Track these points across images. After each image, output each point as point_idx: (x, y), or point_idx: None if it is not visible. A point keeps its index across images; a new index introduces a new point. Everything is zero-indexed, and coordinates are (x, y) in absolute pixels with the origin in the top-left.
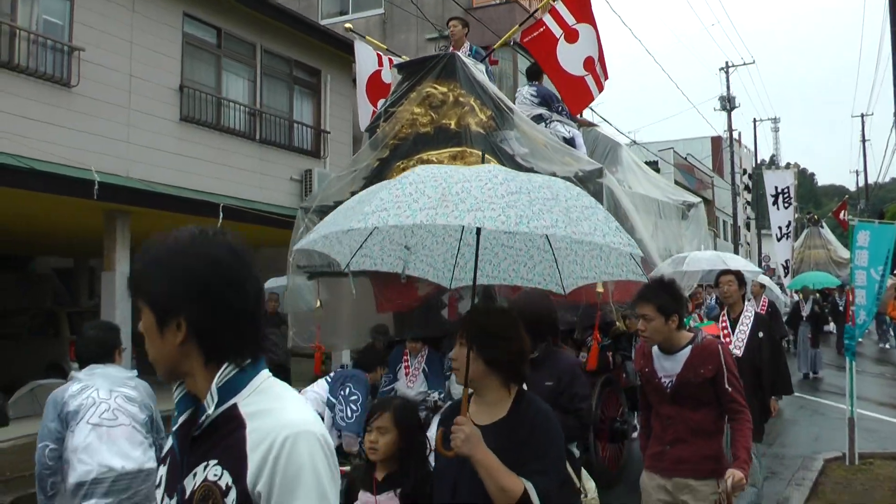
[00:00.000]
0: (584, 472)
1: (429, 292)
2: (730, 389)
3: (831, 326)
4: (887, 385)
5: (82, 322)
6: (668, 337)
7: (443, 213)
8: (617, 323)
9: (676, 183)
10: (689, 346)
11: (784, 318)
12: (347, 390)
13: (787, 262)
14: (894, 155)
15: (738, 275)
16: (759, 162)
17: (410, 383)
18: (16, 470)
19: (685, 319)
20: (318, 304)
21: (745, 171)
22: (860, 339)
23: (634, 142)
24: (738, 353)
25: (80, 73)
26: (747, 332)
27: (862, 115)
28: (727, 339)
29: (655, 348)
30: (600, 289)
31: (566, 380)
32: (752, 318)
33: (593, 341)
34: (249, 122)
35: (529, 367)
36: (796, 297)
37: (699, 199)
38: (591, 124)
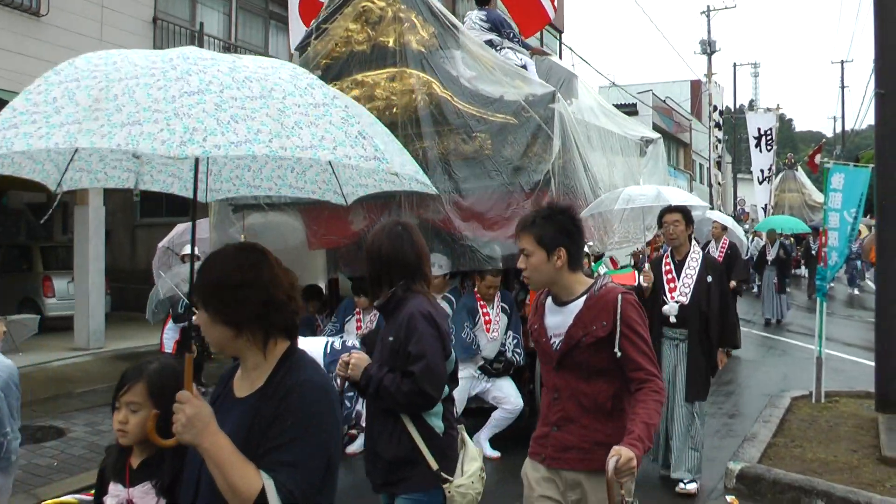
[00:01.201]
0: (469, 449)
1: (365, 227)
2: (631, 352)
3: (802, 271)
4: (856, 327)
5: (56, 257)
6: (555, 280)
7: (87, 130)
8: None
9: (655, 126)
10: (584, 297)
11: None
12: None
13: (766, 206)
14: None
15: (685, 212)
16: (737, 106)
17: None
18: None
19: (594, 264)
20: (242, 237)
21: (715, 108)
22: (831, 284)
23: (614, 83)
24: (684, 300)
25: (50, 3)
26: (694, 277)
27: (842, 62)
28: (670, 285)
29: (549, 300)
30: None
31: (403, 334)
32: (699, 261)
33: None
34: None
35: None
36: (762, 241)
37: (658, 135)
38: (544, 52)
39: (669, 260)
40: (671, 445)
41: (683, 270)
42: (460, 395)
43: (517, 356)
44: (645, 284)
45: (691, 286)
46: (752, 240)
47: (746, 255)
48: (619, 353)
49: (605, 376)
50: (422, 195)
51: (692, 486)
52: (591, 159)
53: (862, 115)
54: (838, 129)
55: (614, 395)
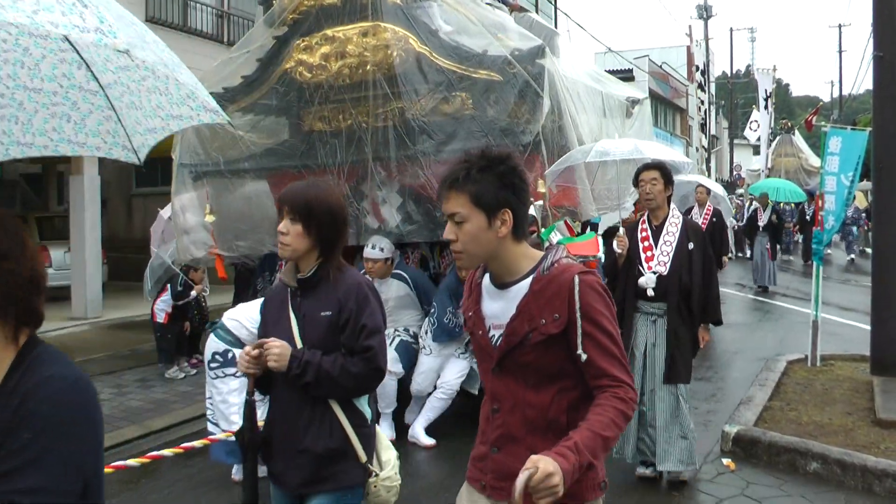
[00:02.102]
0: (382, 438)
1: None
2: (594, 354)
3: (798, 238)
4: (852, 291)
5: (52, 227)
6: (495, 254)
7: None
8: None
9: (651, 92)
10: (530, 276)
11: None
12: None
13: (759, 171)
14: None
15: (663, 170)
16: (734, 72)
17: None
18: None
19: (544, 232)
20: (209, 209)
21: (697, 68)
22: (828, 251)
23: (610, 49)
24: (663, 269)
25: None
26: (674, 244)
27: (839, 26)
28: (647, 253)
29: (486, 279)
30: (542, 188)
31: (350, 306)
32: (679, 226)
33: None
34: (217, 24)
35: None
36: (755, 205)
37: (645, 95)
38: (522, 9)
39: (646, 225)
40: (652, 435)
41: (661, 237)
42: (427, 377)
43: None
44: (619, 251)
45: (670, 254)
46: (751, 205)
47: (743, 222)
48: (583, 357)
49: (559, 383)
50: (400, 158)
51: (689, 472)
52: (580, 120)
53: (859, 79)
54: (836, 94)
55: (570, 407)
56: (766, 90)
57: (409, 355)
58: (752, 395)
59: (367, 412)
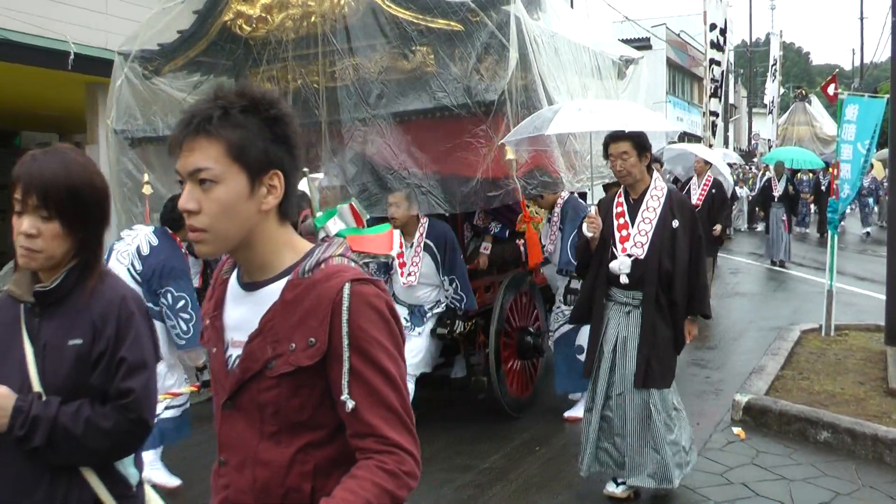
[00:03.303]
0: (148, 491)
1: None
2: (362, 402)
3: (814, 209)
4: (868, 261)
5: None
6: (249, 237)
7: None
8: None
9: (669, 61)
10: (285, 278)
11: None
12: (170, 297)
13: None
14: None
15: (635, 139)
16: (753, 40)
17: None
18: None
19: (319, 217)
20: (146, 177)
21: (713, 26)
22: (843, 224)
23: (626, 18)
24: (640, 252)
25: None
26: (653, 222)
27: None
28: (622, 233)
29: (234, 276)
30: (511, 155)
31: (108, 333)
32: (662, 199)
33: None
34: None
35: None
36: (769, 174)
37: (641, 55)
38: None
39: (622, 199)
40: (619, 445)
41: (639, 213)
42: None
43: (463, 304)
44: (589, 234)
45: (649, 234)
46: (764, 174)
47: (754, 191)
48: (349, 405)
49: (306, 435)
50: (353, 122)
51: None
52: (560, 80)
53: (881, 47)
54: (857, 62)
55: (318, 471)
56: (775, 57)
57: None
58: (764, 364)
59: (132, 475)
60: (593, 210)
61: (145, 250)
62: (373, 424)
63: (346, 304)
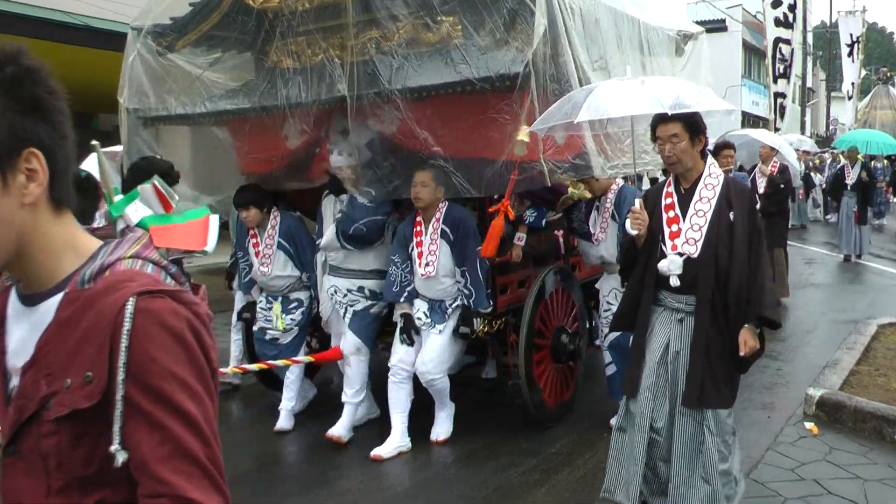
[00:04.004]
0: None
1: (303, 144)
2: (146, 448)
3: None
4: None
5: None
6: (22, 239)
7: None
8: (570, 189)
9: (744, 43)
10: (61, 293)
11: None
12: None
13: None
14: None
15: (688, 121)
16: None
17: (265, 265)
18: None
19: (116, 203)
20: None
21: (776, 2)
22: None
23: None
24: (692, 250)
25: None
26: (708, 215)
27: None
28: (672, 228)
29: (15, 291)
30: (524, 136)
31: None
32: (718, 188)
33: (499, 214)
34: None
35: None
36: (842, 161)
37: (701, 29)
38: None
39: (672, 189)
40: (662, 473)
41: (692, 205)
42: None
43: (471, 301)
44: (634, 232)
45: (703, 229)
46: (836, 161)
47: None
48: (119, 457)
49: (97, 492)
50: (371, 98)
51: None
52: (598, 53)
53: None
54: None
55: None
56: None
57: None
58: (838, 358)
59: None
60: (638, 203)
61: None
62: (168, 481)
63: (127, 325)
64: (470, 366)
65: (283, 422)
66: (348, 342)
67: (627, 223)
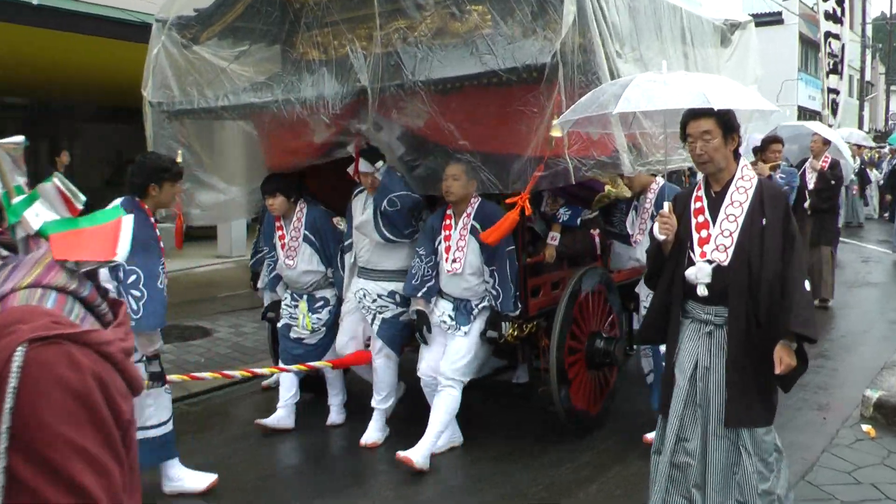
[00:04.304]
0: None
1: (329, 139)
2: None
3: None
4: None
5: None
6: None
7: None
8: (606, 186)
9: (801, 36)
10: None
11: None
12: (122, 272)
13: None
14: None
15: (721, 117)
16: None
17: (290, 258)
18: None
19: (14, 206)
20: (179, 156)
21: None
22: None
23: None
24: (723, 257)
25: None
26: (740, 219)
27: None
28: (701, 234)
29: None
30: (556, 132)
31: None
32: (751, 192)
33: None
34: None
35: None
36: None
37: (749, 18)
38: None
39: (702, 193)
40: (696, 499)
41: (722, 210)
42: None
43: (498, 303)
44: (661, 237)
45: (734, 235)
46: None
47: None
48: None
49: None
50: (397, 92)
51: None
52: (632, 45)
53: None
54: None
55: None
56: None
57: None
58: None
59: None
60: (667, 207)
61: None
62: None
63: (13, 382)
64: (501, 370)
65: (335, 416)
66: (377, 347)
67: (654, 227)
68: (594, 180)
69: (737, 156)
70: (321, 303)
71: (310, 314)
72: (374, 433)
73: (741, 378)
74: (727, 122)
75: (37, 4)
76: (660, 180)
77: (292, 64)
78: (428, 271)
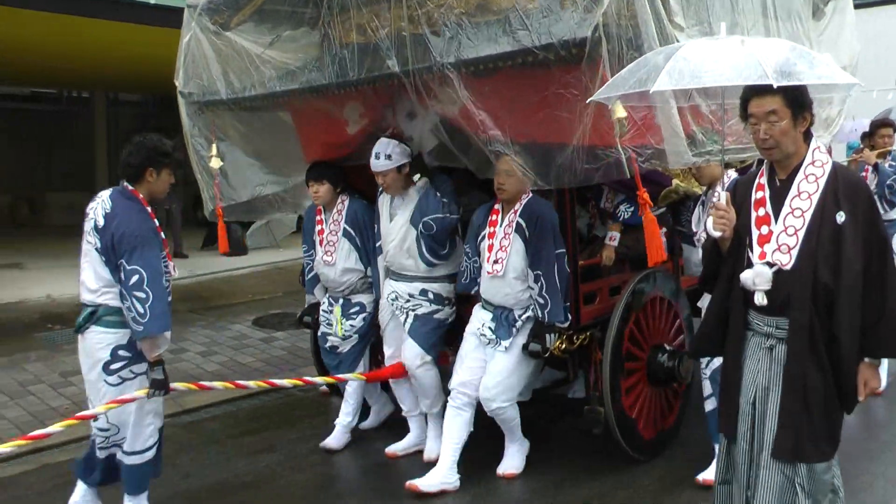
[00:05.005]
0: None
1: (363, 128)
2: None
3: None
4: None
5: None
6: None
7: None
8: (675, 180)
9: None
10: None
11: None
12: (123, 273)
13: None
14: None
15: (792, 96)
16: None
17: (328, 254)
18: (256, 293)
19: None
20: (213, 148)
21: None
22: None
23: None
24: (785, 259)
25: None
26: (808, 213)
27: None
28: (762, 230)
29: None
30: (620, 113)
31: None
32: (822, 180)
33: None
34: None
35: None
36: None
37: None
38: None
39: (764, 180)
40: None
41: (787, 202)
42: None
43: (545, 312)
44: (716, 234)
45: (800, 233)
46: None
47: None
48: None
49: None
50: (431, 78)
51: None
52: (695, 18)
53: None
54: None
55: None
56: None
57: None
58: None
59: None
60: (724, 197)
61: (101, 222)
62: None
63: None
64: (559, 382)
65: (334, 439)
66: (409, 352)
67: (708, 222)
68: (659, 172)
69: (808, 136)
70: (356, 308)
71: (343, 320)
72: (434, 443)
73: (802, 405)
74: (797, 100)
75: (153, 4)
76: (731, 173)
77: (329, 48)
78: (476, 271)
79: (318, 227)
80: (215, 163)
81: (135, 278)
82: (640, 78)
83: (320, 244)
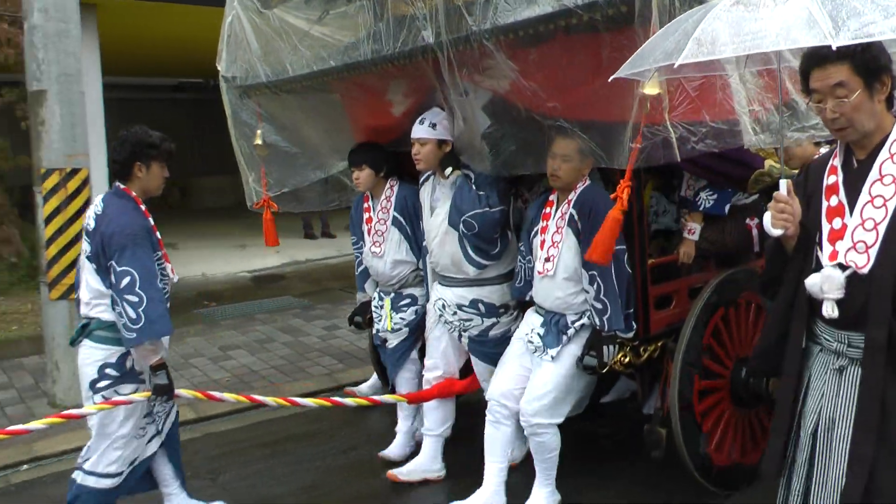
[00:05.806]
0: None
1: (408, 109)
2: None
3: None
4: None
5: None
6: None
7: None
8: (767, 162)
9: None
10: None
11: None
12: (113, 276)
13: None
14: None
15: (862, 61)
16: None
17: (377, 245)
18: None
19: None
20: (259, 135)
21: None
22: None
23: None
24: (862, 260)
25: None
26: (892, 201)
27: None
28: (833, 224)
29: None
30: (650, 89)
31: None
32: None
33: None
34: None
35: None
36: None
37: None
38: None
39: (838, 162)
40: None
41: (865, 189)
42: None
43: (604, 319)
44: (776, 232)
45: (880, 227)
46: None
47: None
48: None
49: None
50: (472, 51)
51: None
52: None
53: None
54: None
55: None
56: None
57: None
58: None
59: None
60: (785, 186)
61: (92, 225)
62: None
63: None
64: (632, 396)
65: (397, 447)
66: (481, 370)
67: (766, 217)
68: (749, 153)
69: (892, 104)
70: (407, 300)
71: (393, 313)
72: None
73: (879, 439)
74: (868, 64)
75: None
76: (824, 149)
77: (385, 21)
78: (530, 272)
79: (365, 216)
80: (261, 150)
81: (126, 280)
82: (667, 49)
83: (368, 234)
